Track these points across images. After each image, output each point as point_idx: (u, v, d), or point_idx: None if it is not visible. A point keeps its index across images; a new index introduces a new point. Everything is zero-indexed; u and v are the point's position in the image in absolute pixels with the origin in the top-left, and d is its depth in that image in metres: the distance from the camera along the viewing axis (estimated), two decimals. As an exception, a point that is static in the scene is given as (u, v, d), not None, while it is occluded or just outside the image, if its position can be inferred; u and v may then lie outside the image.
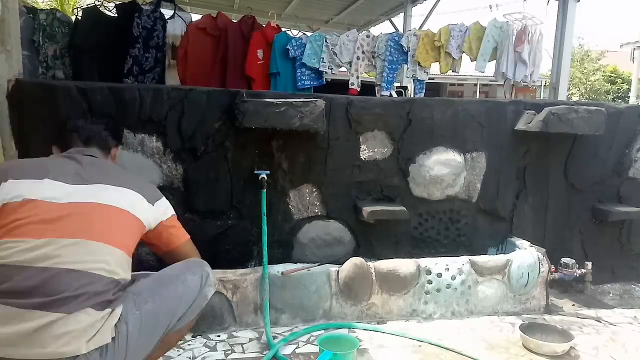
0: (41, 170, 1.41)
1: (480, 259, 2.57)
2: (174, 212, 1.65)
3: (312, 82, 4.60)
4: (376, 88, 4.90)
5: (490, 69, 4.98)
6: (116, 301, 1.32)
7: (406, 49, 4.74)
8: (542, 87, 13.98)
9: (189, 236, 1.72)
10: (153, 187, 1.66)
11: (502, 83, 5.06)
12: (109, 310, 1.29)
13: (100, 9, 4.25)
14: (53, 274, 1.23)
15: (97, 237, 1.34)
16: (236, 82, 4.26)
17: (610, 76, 17.92)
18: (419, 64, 4.79)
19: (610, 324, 2.50)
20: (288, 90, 4.38)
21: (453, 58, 4.80)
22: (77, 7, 5.96)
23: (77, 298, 1.23)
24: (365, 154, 2.70)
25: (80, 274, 1.26)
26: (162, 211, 1.59)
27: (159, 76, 4.13)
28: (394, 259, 2.52)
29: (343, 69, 4.78)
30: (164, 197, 1.64)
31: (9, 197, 1.32)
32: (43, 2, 11.72)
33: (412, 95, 5.77)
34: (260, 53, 4.37)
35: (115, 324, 1.30)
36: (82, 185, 1.42)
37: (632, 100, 13.03)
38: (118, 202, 1.43)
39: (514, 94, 5.18)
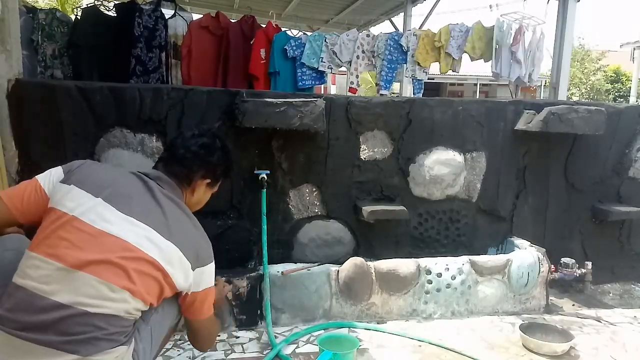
0: (104, 185, 1.32)
1: (480, 258, 2.57)
2: (212, 284, 1.47)
3: (313, 82, 4.60)
4: (377, 87, 4.91)
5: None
6: (131, 335, 1.29)
7: (406, 48, 4.74)
8: (542, 87, 13.98)
9: (212, 312, 1.54)
10: (205, 250, 1.45)
11: (506, 82, 5.06)
12: (124, 347, 1.25)
13: (100, 8, 4.25)
14: (70, 314, 1.18)
15: (126, 285, 1.24)
16: (237, 81, 4.27)
17: (612, 76, 17.91)
18: (418, 64, 4.79)
19: (610, 323, 2.50)
20: (288, 90, 4.38)
21: (453, 58, 4.81)
22: (77, 7, 5.95)
23: (92, 340, 1.19)
24: (365, 153, 2.70)
25: (98, 317, 1.20)
26: (200, 281, 1.41)
27: (162, 76, 4.13)
28: (394, 259, 2.52)
29: (343, 68, 4.78)
30: (210, 265, 1.45)
31: (61, 204, 1.27)
32: (43, 1, 11.71)
33: (411, 95, 5.77)
34: (262, 52, 4.37)
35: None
36: (134, 220, 1.30)
37: (632, 100, 13.03)
38: (158, 255, 1.29)
39: (519, 93, 5.17)
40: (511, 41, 4.73)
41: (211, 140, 1.61)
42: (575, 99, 14.47)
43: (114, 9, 4.29)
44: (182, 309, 1.47)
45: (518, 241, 2.82)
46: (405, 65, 4.96)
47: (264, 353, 2.09)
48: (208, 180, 1.59)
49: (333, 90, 13.14)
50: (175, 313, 1.48)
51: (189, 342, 2.12)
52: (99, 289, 1.21)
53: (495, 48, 4.76)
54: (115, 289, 1.22)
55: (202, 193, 1.62)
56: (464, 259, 2.55)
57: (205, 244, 1.46)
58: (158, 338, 1.43)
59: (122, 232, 1.27)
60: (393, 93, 4.96)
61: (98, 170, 1.39)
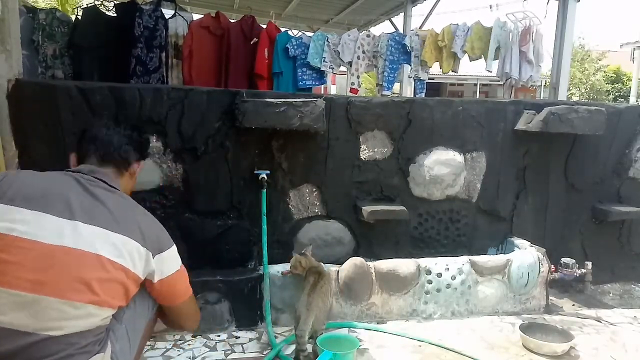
0: (37, 195, 1.23)
1: (480, 259, 2.57)
2: (178, 267, 1.44)
3: (313, 82, 4.60)
4: (377, 87, 4.91)
5: (493, 68, 4.98)
6: (105, 340, 1.26)
7: (409, 49, 4.74)
8: (542, 87, 13.98)
9: (190, 293, 1.52)
10: (160, 235, 1.41)
11: (502, 83, 5.06)
12: (100, 355, 1.22)
13: (100, 8, 4.26)
14: (37, 340, 1.13)
15: (89, 298, 1.19)
16: (238, 81, 4.27)
17: (612, 76, 17.90)
18: (422, 64, 4.80)
19: (610, 324, 2.50)
20: (289, 89, 4.39)
21: (455, 58, 4.81)
22: (77, 7, 5.95)
23: (66, 358, 1.16)
24: (365, 154, 2.70)
25: (66, 337, 1.16)
26: (164, 267, 1.38)
27: (163, 76, 4.13)
28: (394, 259, 2.52)
29: (343, 68, 4.79)
30: (171, 249, 1.42)
31: None
32: (43, 1, 11.71)
33: (413, 95, 5.78)
34: (265, 52, 4.38)
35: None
36: (80, 223, 1.23)
37: (632, 101, 13.03)
38: (114, 253, 1.25)
39: (513, 93, 5.19)
40: (518, 40, 4.72)
41: (135, 125, 1.68)
42: (575, 99, 14.47)
43: (114, 9, 4.30)
44: (156, 298, 1.44)
45: (518, 241, 2.82)
46: (406, 65, 4.96)
47: (264, 353, 2.09)
48: (142, 162, 1.61)
49: (333, 90, 13.15)
50: (149, 305, 1.44)
51: (189, 343, 2.16)
52: (61, 309, 1.16)
53: (496, 48, 4.77)
54: (78, 305, 1.17)
55: (135, 178, 1.61)
56: (464, 259, 2.55)
57: (158, 228, 1.42)
58: (136, 334, 1.40)
59: (71, 242, 1.20)
60: (393, 93, 4.96)
61: (25, 179, 1.28)
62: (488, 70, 4.96)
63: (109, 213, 1.30)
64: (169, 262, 1.40)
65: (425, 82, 5.12)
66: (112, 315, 1.29)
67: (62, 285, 1.17)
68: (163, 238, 1.41)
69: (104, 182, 1.38)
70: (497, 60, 4.86)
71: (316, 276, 2.16)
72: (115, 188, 1.41)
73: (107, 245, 1.24)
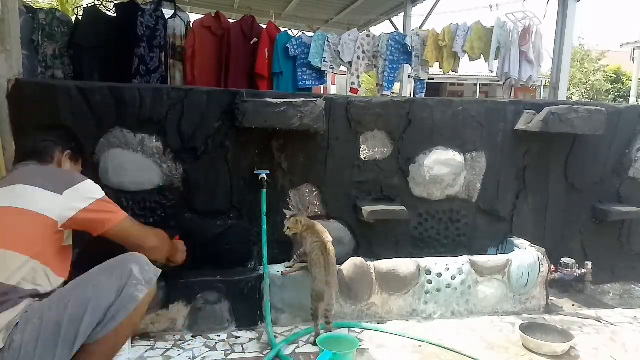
0: None
1: (480, 258, 2.57)
2: (98, 197, 1.57)
3: (313, 82, 4.60)
4: (377, 87, 4.91)
5: (494, 68, 4.98)
6: (3, 307, 1.25)
7: (410, 48, 4.74)
8: (542, 87, 13.98)
9: (124, 215, 1.64)
10: (67, 177, 1.57)
11: (502, 83, 5.06)
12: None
13: (100, 8, 4.25)
14: None
15: None
16: (238, 81, 4.27)
17: (611, 76, 17.89)
18: (423, 64, 4.79)
19: (610, 324, 2.50)
20: (289, 89, 4.39)
21: (456, 58, 4.81)
22: (78, 7, 5.96)
23: None
24: (365, 154, 2.70)
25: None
26: (76, 199, 1.50)
27: (162, 76, 4.13)
28: (394, 259, 2.52)
29: (343, 68, 4.79)
30: (82, 183, 1.56)
31: None
32: (43, 1, 11.71)
33: (413, 95, 5.78)
34: (266, 52, 4.38)
35: (10, 334, 1.24)
36: None
37: (632, 101, 13.03)
38: (17, 202, 1.39)
39: (513, 94, 5.18)
40: (518, 40, 4.72)
41: (50, 124, 2.01)
42: (575, 99, 14.47)
43: (114, 9, 4.29)
44: (93, 232, 1.56)
45: (518, 241, 2.82)
46: (407, 65, 4.95)
47: (264, 353, 2.09)
48: (68, 152, 1.76)
49: (333, 90, 13.15)
50: (73, 333, 1.35)
51: (189, 343, 2.16)
52: None
53: (497, 48, 4.76)
54: None
55: (70, 167, 1.76)
56: (464, 259, 2.55)
57: (68, 173, 1.64)
58: (51, 342, 1.31)
59: None
60: (393, 93, 4.97)
61: None
62: (490, 70, 4.96)
63: (21, 176, 1.51)
64: (83, 194, 1.54)
65: (425, 82, 5.12)
66: (41, 301, 1.33)
67: None
68: (69, 177, 1.58)
69: (26, 165, 1.61)
70: (497, 60, 4.86)
71: (322, 248, 2.23)
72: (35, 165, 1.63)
73: (10, 196, 1.41)
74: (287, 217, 2.39)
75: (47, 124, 1.94)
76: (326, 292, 2.15)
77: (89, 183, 1.57)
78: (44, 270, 1.36)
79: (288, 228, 2.34)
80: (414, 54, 4.78)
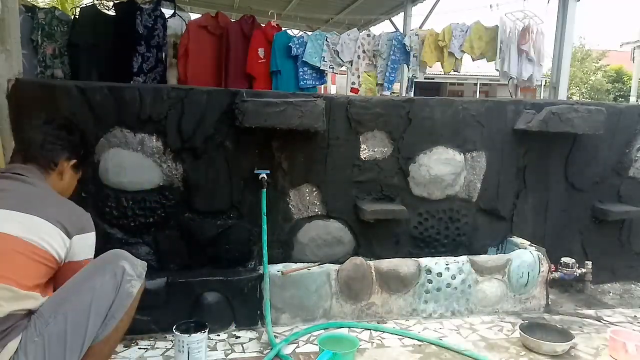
0: None
1: (480, 258, 2.57)
2: (91, 256, 1.46)
3: (314, 82, 4.60)
4: (377, 87, 4.91)
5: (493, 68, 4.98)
6: (8, 336, 1.23)
7: (409, 48, 4.74)
8: (542, 86, 13.98)
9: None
10: (78, 218, 1.44)
11: (507, 82, 5.06)
12: None
13: (99, 7, 4.25)
14: None
15: None
16: (237, 81, 4.27)
17: (612, 76, 17.90)
18: (421, 64, 4.79)
19: (611, 323, 2.50)
20: (290, 89, 4.39)
21: (455, 58, 4.81)
22: (77, 6, 5.95)
23: None
24: (365, 153, 2.70)
25: None
26: (81, 247, 1.41)
27: (160, 76, 4.14)
28: (394, 259, 2.52)
29: (343, 68, 4.79)
30: (91, 234, 1.45)
31: None
32: (42, 0, 11.69)
33: (405, 94, 5.79)
34: (261, 52, 4.38)
35: (13, 357, 1.22)
36: None
37: (633, 100, 13.03)
38: (28, 234, 1.29)
39: (518, 93, 5.17)
40: (517, 39, 4.72)
41: (66, 122, 1.64)
42: (575, 98, 14.47)
43: (113, 8, 4.29)
44: (55, 279, 1.42)
45: (518, 241, 2.82)
46: (406, 65, 4.95)
47: (264, 353, 2.09)
48: (74, 161, 1.59)
49: (333, 90, 13.14)
50: (81, 339, 1.36)
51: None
52: None
53: (500, 47, 4.76)
54: None
55: (70, 177, 1.61)
56: (464, 258, 2.55)
57: (79, 211, 1.46)
58: (61, 354, 1.31)
59: None
60: (393, 93, 4.98)
61: None
62: (497, 70, 4.96)
63: (25, 200, 1.35)
64: (83, 247, 1.43)
65: (414, 81, 5.15)
66: (34, 318, 1.29)
67: None
68: (84, 219, 1.45)
69: (21, 175, 1.42)
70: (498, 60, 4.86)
71: None
72: (31, 178, 1.43)
73: (17, 225, 1.29)
74: None
75: (61, 122, 1.63)
76: None
77: (93, 235, 1.47)
78: (33, 296, 1.32)
79: None
80: (412, 54, 4.78)
